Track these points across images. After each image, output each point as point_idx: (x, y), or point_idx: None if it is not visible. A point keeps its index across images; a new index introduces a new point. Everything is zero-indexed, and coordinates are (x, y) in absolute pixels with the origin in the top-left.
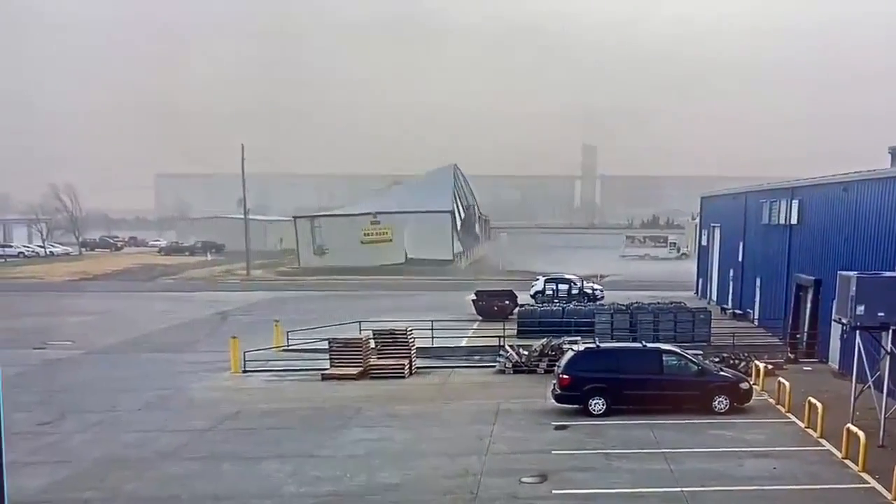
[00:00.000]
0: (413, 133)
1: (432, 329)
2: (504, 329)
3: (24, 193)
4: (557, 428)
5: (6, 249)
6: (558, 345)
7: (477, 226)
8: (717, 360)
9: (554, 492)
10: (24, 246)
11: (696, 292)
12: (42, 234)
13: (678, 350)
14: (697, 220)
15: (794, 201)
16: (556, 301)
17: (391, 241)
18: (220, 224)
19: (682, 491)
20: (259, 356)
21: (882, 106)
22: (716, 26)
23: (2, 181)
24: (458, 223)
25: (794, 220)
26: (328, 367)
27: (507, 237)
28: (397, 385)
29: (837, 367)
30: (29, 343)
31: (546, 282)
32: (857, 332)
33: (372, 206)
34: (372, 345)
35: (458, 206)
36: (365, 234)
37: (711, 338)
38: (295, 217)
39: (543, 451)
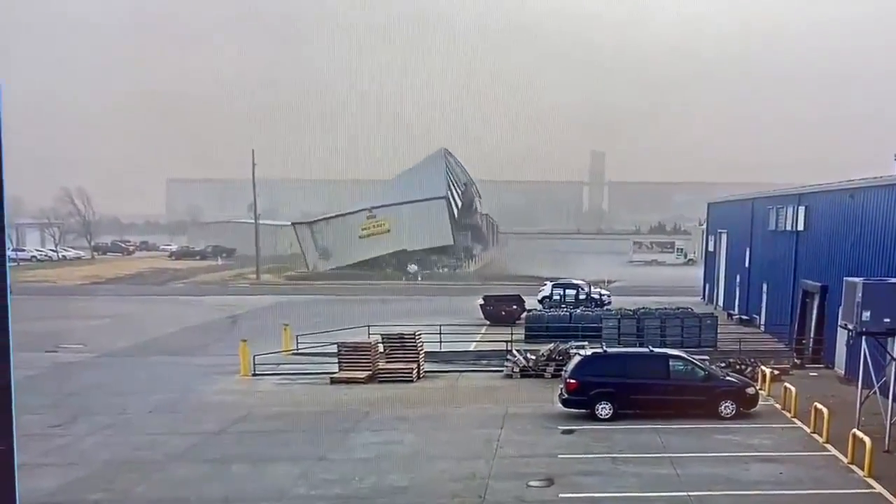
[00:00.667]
0: (419, 137)
1: (440, 333)
2: (512, 334)
3: (37, 197)
4: (564, 432)
5: (19, 253)
6: (566, 349)
7: (477, 202)
8: (723, 365)
9: (561, 495)
10: (37, 250)
11: (703, 298)
12: (54, 238)
13: (685, 355)
14: (704, 226)
15: (800, 208)
16: (563, 306)
17: (389, 231)
18: (231, 228)
19: (689, 495)
20: (268, 360)
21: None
22: (724, 29)
23: (15, 185)
24: (456, 207)
25: (800, 227)
26: (337, 370)
27: (514, 242)
28: (405, 389)
29: (843, 372)
30: (41, 346)
31: (554, 287)
32: (863, 337)
33: (367, 203)
34: (380, 349)
35: (453, 190)
36: (363, 230)
37: (718, 343)
38: (294, 224)
39: (550, 455)
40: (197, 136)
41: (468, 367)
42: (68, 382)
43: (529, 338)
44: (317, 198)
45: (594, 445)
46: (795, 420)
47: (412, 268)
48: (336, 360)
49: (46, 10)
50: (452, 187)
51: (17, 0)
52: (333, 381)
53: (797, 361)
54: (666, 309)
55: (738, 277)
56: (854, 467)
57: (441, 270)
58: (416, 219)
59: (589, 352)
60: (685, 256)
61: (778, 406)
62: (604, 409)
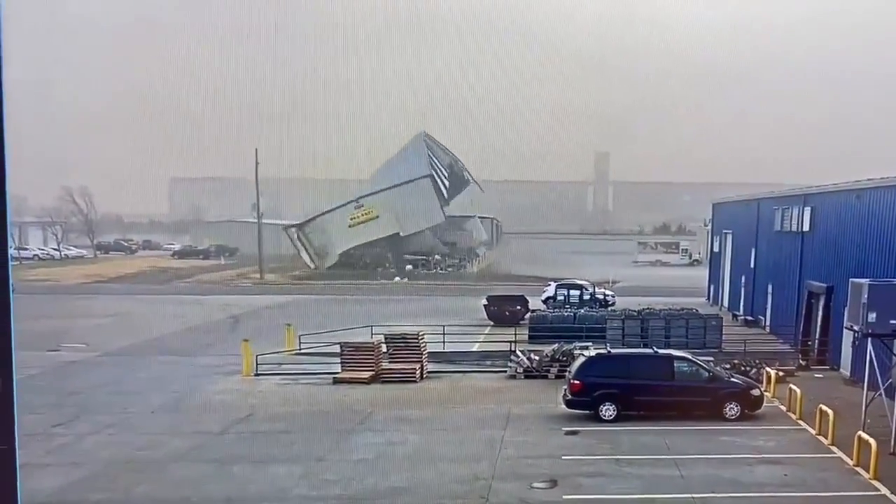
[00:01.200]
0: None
1: (444, 333)
2: (515, 334)
3: (40, 196)
4: (568, 433)
5: (21, 252)
6: (569, 350)
7: (467, 175)
8: (728, 366)
9: (564, 497)
10: (40, 248)
11: (708, 299)
12: (57, 237)
13: (689, 356)
14: (709, 227)
15: (806, 208)
16: (567, 306)
17: (378, 217)
18: (234, 228)
19: (693, 497)
20: (271, 359)
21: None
22: (728, 28)
23: (18, 184)
24: (444, 186)
25: (806, 228)
26: (339, 370)
27: (518, 242)
28: (408, 389)
29: (849, 374)
30: (43, 345)
31: (558, 287)
32: (869, 339)
33: (352, 196)
34: (383, 349)
35: (438, 169)
36: (351, 219)
37: (723, 344)
38: (285, 228)
39: (554, 457)
40: (199, 134)
41: (471, 367)
42: (70, 381)
43: (533, 338)
44: (320, 197)
45: (598, 447)
46: (800, 422)
47: (405, 271)
48: (339, 361)
49: (48, 10)
50: (436, 168)
51: None
52: (336, 382)
53: (802, 363)
54: (670, 310)
55: (743, 278)
56: (859, 469)
57: (445, 270)
58: (403, 201)
59: (593, 352)
60: (690, 257)
61: (783, 408)
62: (608, 411)
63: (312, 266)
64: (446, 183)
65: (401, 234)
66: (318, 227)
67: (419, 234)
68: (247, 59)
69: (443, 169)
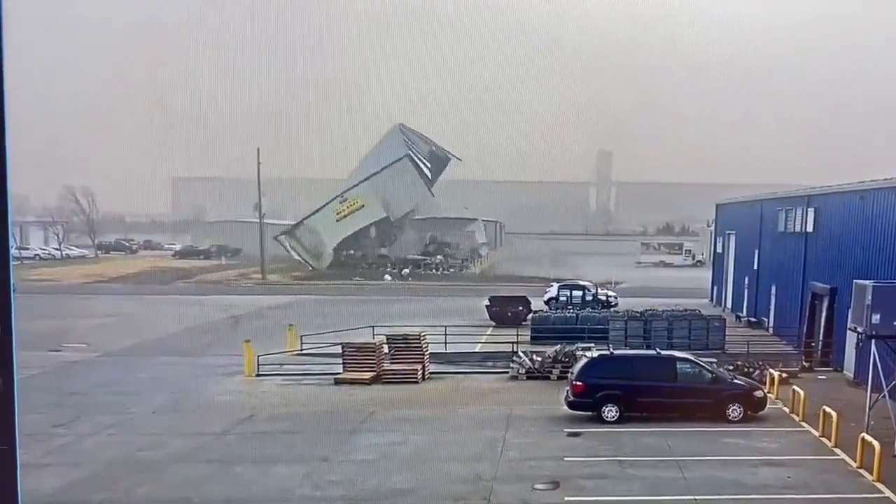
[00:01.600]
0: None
1: (445, 334)
2: (517, 335)
3: (41, 196)
4: (570, 434)
5: (23, 252)
6: (572, 351)
7: (448, 155)
8: (731, 367)
9: (566, 498)
10: (41, 248)
11: (711, 300)
12: (58, 237)
13: (692, 357)
14: (712, 228)
15: (809, 209)
16: (569, 307)
17: (364, 206)
18: (236, 228)
19: (695, 499)
20: (273, 360)
21: None
22: (731, 29)
23: (20, 183)
24: (427, 168)
25: (809, 229)
26: (341, 371)
27: (520, 243)
28: (410, 390)
29: (852, 375)
30: (44, 345)
31: (560, 288)
32: (873, 340)
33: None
34: (385, 349)
35: (416, 154)
36: (337, 213)
37: (726, 345)
38: (276, 237)
39: (556, 458)
40: (200, 134)
41: (473, 368)
42: (71, 382)
43: (535, 339)
44: (320, 198)
45: (600, 448)
46: (804, 423)
47: (396, 273)
48: (340, 361)
49: (48, 10)
50: (415, 154)
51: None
52: (338, 382)
53: (806, 364)
54: (673, 311)
55: (746, 279)
56: (863, 471)
57: (447, 271)
58: (386, 186)
59: (595, 354)
60: (693, 258)
61: (786, 409)
62: (610, 412)
63: (309, 268)
64: (427, 164)
65: (391, 219)
66: (307, 228)
67: (420, 235)
68: (248, 58)
69: (422, 154)
